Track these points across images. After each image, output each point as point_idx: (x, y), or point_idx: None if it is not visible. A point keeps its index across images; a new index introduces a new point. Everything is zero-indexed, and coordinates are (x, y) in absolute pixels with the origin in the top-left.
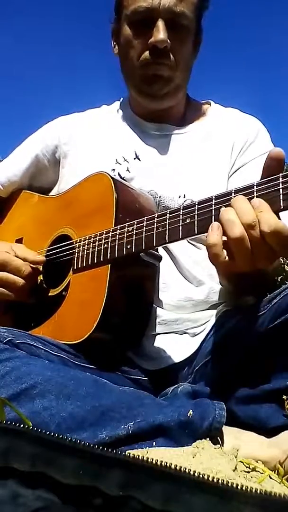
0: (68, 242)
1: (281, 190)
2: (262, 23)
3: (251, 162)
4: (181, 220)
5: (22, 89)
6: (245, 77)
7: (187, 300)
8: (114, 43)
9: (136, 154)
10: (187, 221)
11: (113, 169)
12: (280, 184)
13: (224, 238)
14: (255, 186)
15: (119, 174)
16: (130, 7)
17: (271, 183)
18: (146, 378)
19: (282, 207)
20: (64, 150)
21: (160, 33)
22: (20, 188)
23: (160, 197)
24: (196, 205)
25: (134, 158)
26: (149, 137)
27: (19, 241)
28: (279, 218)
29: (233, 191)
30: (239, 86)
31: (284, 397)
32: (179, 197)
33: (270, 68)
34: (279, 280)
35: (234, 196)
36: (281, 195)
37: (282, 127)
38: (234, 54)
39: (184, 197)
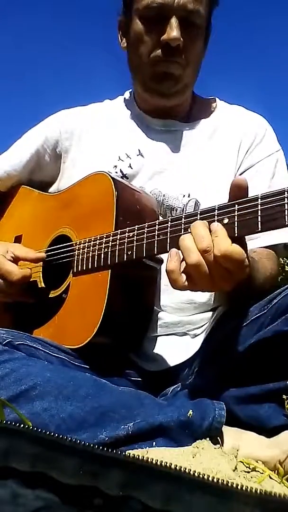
0: (68, 243)
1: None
2: (267, 22)
3: (259, 163)
4: (183, 229)
5: (21, 82)
6: (250, 76)
7: (188, 303)
8: (122, 36)
9: (139, 150)
10: (189, 230)
11: (115, 166)
12: (236, 211)
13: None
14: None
15: (121, 171)
16: (142, 1)
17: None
18: (146, 380)
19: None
20: (66, 145)
21: (174, 30)
22: (19, 182)
23: (164, 195)
24: (198, 215)
25: (137, 155)
26: (154, 133)
27: (18, 238)
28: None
29: (236, 203)
30: (244, 84)
31: (284, 397)
32: (183, 196)
33: (275, 67)
34: (279, 280)
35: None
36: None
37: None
38: (239, 52)
39: (189, 196)
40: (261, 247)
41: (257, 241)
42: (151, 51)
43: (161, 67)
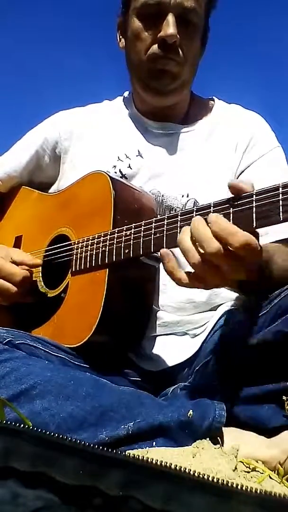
0: (67, 243)
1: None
2: (270, 20)
3: (258, 161)
4: (179, 227)
5: (21, 83)
6: (251, 76)
7: (188, 302)
8: (120, 36)
9: (139, 152)
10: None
11: (114, 166)
12: (231, 207)
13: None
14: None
15: (120, 171)
16: (140, 0)
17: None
18: (146, 379)
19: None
20: (65, 145)
21: (170, 27)
22: (20, 183)
23: (163, 196)
24: (194, 212)
25: (137, 156)
26: (152, 136)
27: (18, 238)
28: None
29: (231, 200)
30: (245, 84)
31: (284, 397)
32: (182, 196)
33: (277, 66)
34: None
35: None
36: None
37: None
38: (239, 51)
39: (187, 196)
40: (271, 242)
41: (266, 237)
42: (148, 48)
43: (158, 64)
